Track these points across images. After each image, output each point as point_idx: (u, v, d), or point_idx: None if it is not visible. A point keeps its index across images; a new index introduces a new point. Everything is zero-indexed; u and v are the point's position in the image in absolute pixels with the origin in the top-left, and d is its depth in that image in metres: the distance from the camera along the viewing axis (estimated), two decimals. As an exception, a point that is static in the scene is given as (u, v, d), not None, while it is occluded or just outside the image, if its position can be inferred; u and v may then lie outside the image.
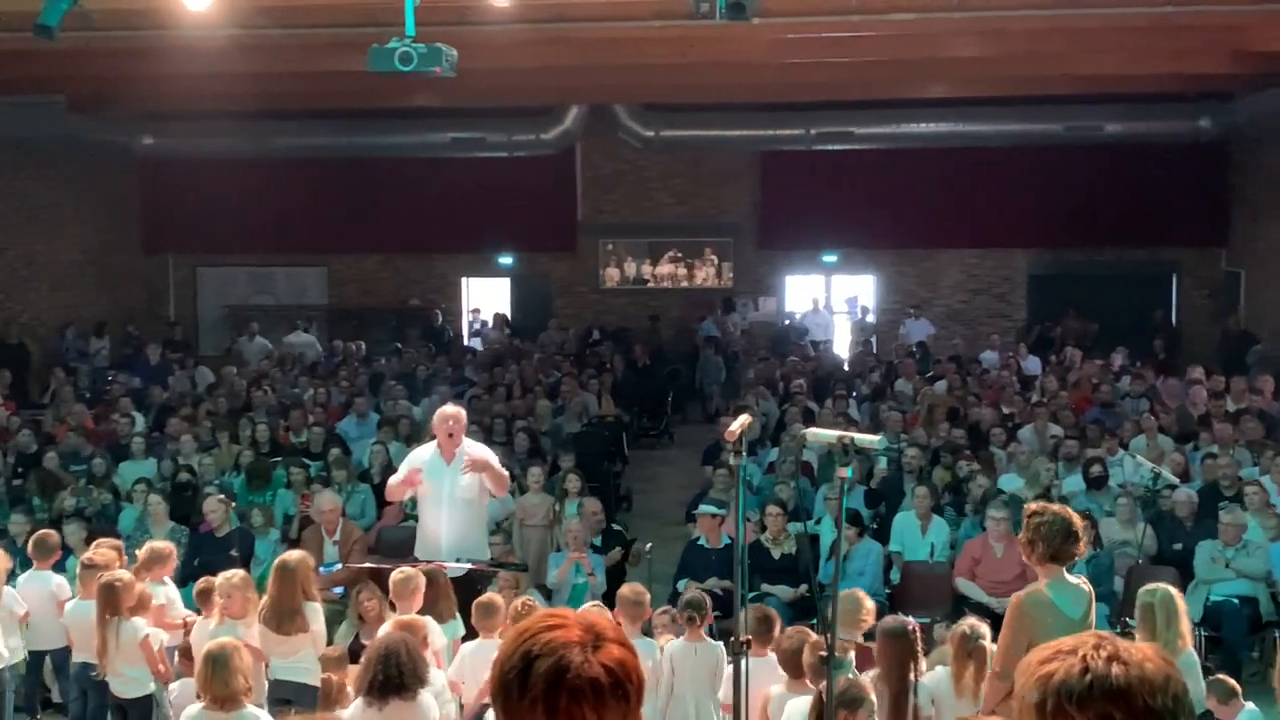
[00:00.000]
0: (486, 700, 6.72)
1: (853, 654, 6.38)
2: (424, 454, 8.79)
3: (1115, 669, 2.01)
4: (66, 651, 8.42)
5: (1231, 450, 11.71)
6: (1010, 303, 21.81)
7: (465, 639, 7.54)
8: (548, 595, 9.55)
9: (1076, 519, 5.46)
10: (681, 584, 9.68)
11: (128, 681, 7.31)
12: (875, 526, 10.64)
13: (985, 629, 6.46)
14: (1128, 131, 18.90)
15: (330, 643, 8.50)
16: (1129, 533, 10.09)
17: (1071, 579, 5.48)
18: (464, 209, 20.96)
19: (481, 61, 10.92)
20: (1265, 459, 11.36)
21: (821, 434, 5.35)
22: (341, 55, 11.68)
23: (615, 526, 11.06)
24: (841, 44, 12.57)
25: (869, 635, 6.80)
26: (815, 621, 7.74)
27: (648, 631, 7.68)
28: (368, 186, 20.91)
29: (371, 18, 10.16)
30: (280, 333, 19.81)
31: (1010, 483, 11.28)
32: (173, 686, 7.31)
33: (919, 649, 6.46)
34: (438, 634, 7.17)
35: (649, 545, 9.85)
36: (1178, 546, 10.00)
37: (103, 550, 8.05)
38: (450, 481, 8.55)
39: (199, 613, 7.83)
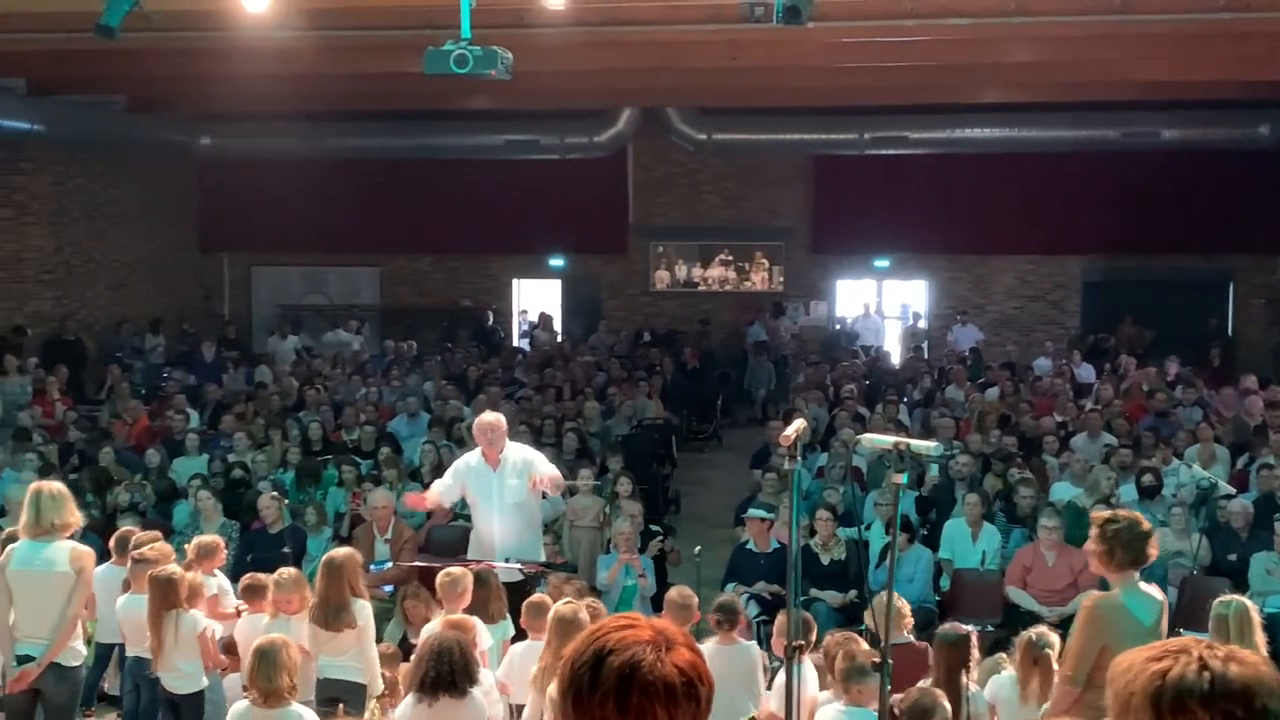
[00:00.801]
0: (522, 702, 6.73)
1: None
2: (470, 461, 8.82)
3: (1234, 669, 2.04)
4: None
5: (1288, 461, 11.55)
6: (1064, 309, 21.61)
7: (514, 640, 7.55)
8: (597, 597, 9.56)
9: (1145, 522, 5.44)
10: (729, 587, 9.68)
11: (182, 677, 7.33)
12: (926, 533, 10.59)
13: (1053, 637, 6.43)
14: (1184, 137, 18.68)
15: (380, 640, 8.58)
16: (1183, 543, 9.98)
17: (1145, 586, 5.45)
18: (516, 211, 21.03)
19: (535, 64, 10.95)
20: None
21: (876, 439, 5.32)
22: (398, 57, 11.75)
23: (653, 527, 11.05)
24: (896, 48, 12.51)
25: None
26: (864, 628, 7.70)
27: (695, 635, 7.67)
28: (421, 188, 21.02)
29: (428, 20, 10.22)
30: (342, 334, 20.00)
31: (1063, 491, 11.18)
32: (228, 680, 7.37)
33: (973, 656, 6.44)
34: (485, 634, 7.19)
35: (697, 548, 9.86)
36: (1232, 557, 9.89)
37: (156, 545, 8.12)
38: (498, 487, 8.59)
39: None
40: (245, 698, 6.02)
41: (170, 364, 18.36)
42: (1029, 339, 20.67)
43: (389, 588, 9.72)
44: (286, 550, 9.59)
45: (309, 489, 11.70)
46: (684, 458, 15.79)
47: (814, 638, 6.83)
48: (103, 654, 8.72)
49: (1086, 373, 17.27)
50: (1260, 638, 6.63)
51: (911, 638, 7.27)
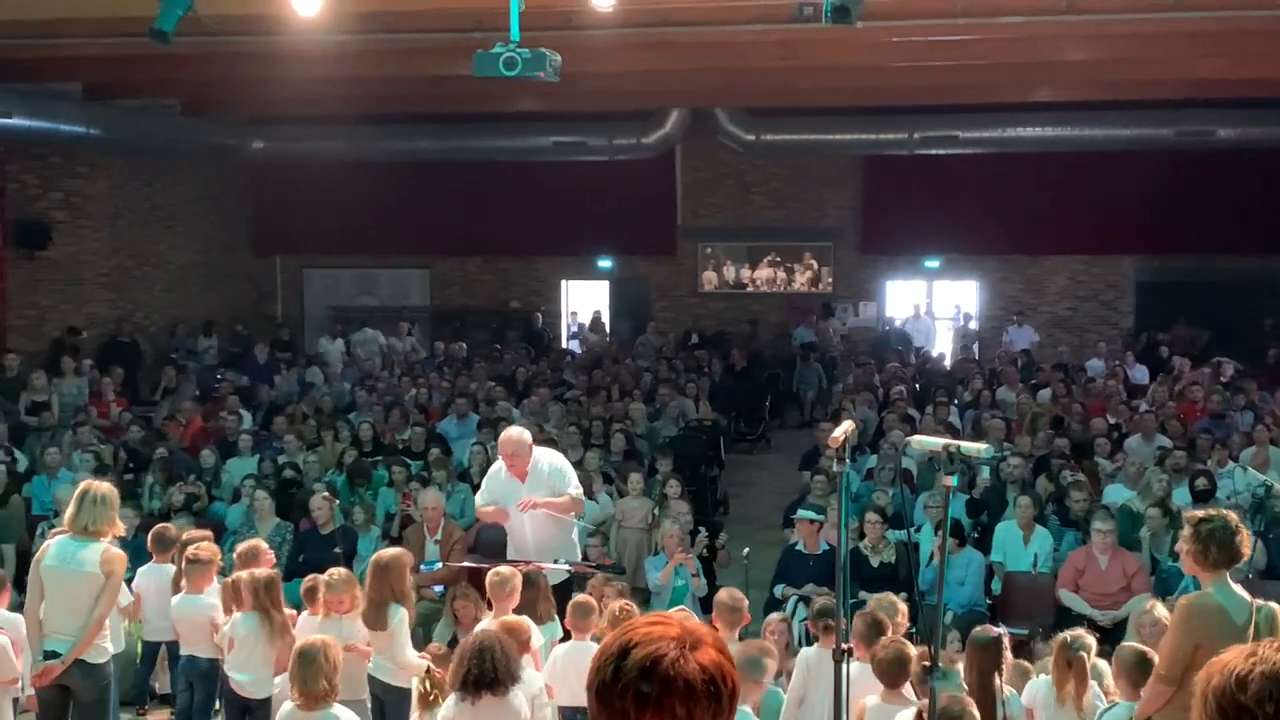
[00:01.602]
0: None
1: (960, 666, 6.29)
2: (498, 474, 8.69)
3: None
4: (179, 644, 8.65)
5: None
6: (1117, 310, 21.40)
7: (562, 640, 7.57)
8: (645, 599, 9.56)
9: (1238, 522, 5.40)
10: (779, 589, 9.66)
11: (261, 681, 7.38)
12: (977, 536, 10.51)
13: (1090, 639, 6.36)
14: (1240, 136, 18.41)
15: (430, 640, 8.62)
16: (1239, 547, 9.84)
17: (1235, 586, 5.40)
18: (564, 212, 21.09)
19: (584, 66, 10.98)
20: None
21: (926, 441, 5.28)
22: (447, 60, 11.82)
23: (700, 528, 11.03)
24: (946, 47, 12.44)
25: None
26: (914, 630, 7.66)
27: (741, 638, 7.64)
28: (470, 190, 21.12)
29: (477, 23, 10.27)
30: (385, 334, 20.11)
31: (1116, 494, 11.07)
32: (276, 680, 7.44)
33: (1005, 658, 6.38)
34: (536, 635, 7.20)
35: (745, 550, 9.85)
36: (1289, 561, 9.76)
37: (207, 545, 8.19)
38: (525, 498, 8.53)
39: (299, 609, 7.96)
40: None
41: (223, 365, 18.55)
42: (1081, 340, 20.49)
43: (439, 588, 9.78)
44: (338, 550, 9.66)
45: (360, 490, 11.79)
46: (732, 459, 15.77)
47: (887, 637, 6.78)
48: (149, 652, 8.78)
49: (1140, 374, 17.09)
50: None
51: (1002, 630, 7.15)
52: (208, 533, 8.84)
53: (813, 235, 21.91)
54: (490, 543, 10.27)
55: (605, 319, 21.93)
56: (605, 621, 7.12)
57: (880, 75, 14.70)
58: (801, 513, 10.16)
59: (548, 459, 8.69)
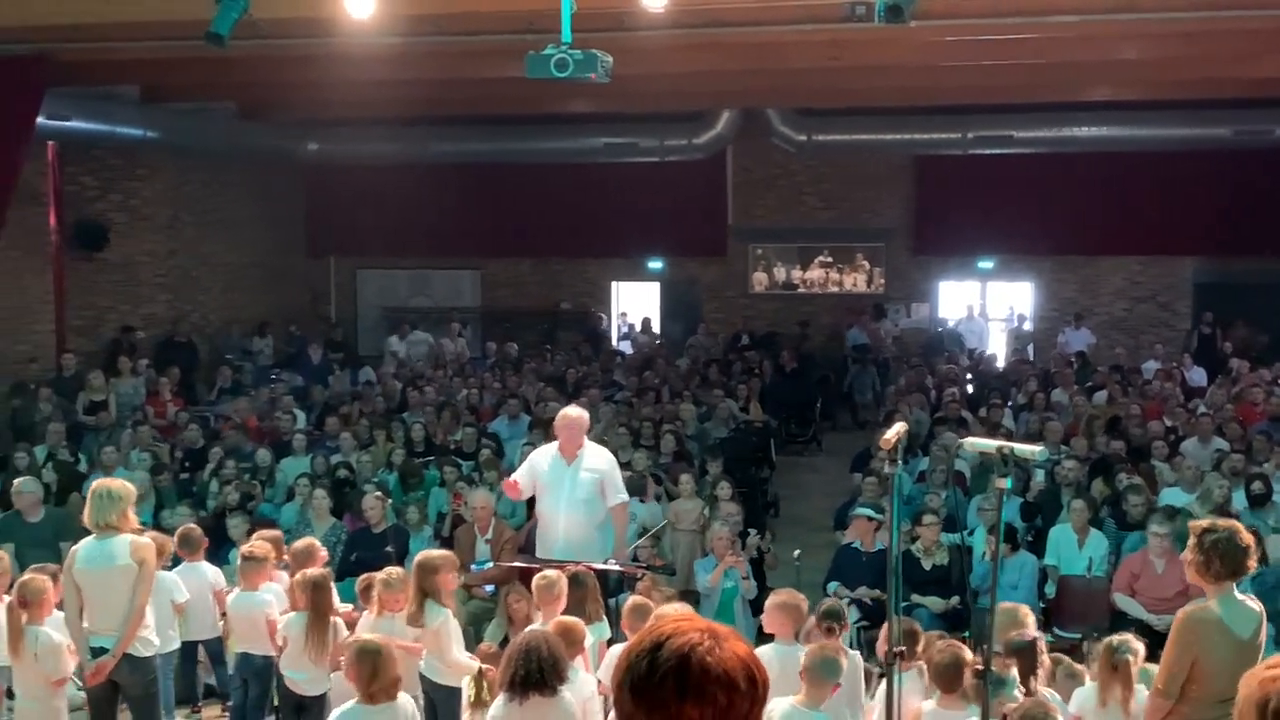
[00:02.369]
0: None
1: (1015, 671, 6.22)
2: (545, 454, 8.86)
3: None
4: (220, 641, 8.71)
5: None
6: (1174, 311, 21.13)
7: (611, 641, 7.56)
8: (695, 601, 9.54)
9: (1245, 532, 5.29)
10: (832, 586, 9.63)
11: (315, 679, 7.49)
12: (1031, 539, 10.42)
13: (1136, 644, 6.27)
14: (1300, 135, 18.16)
15: (481, 640, 8.66)
16: (1297, 552, 9.70)
17: (1241, 597, 5.29)
18: (615, 213, 21.12)
19: (635, 67, 10.97)
20: None
21: (980, 443, 5.22)
22: (499, 62, 11.85)
23: (750, 530, 11.00)
24: (1001, 46, 12.33)
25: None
26: (968, 634, 7.60)
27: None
28: (522, 191, 21.19)
29: (528, 24, 10.28)
30: (437, 335, 20.24)
31: (1173, 497, 10.92)
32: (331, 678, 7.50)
33: (1041, 662, 6.31)
34: (587, 634, 7.21)
35: (796, 552, 9.81)
36: (1350, 566, 9.58)
37: (263, 543, 8.28)
38: (570, 482, 8.63)
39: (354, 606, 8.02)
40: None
41: (278, 366, 18.72)
42: (1137, 342, 20.27)
43: (490, 587, 9.81)
44: (390, 550, 9.72)
45: (412, 490, 11.85)
46: (783, 461, 15.71)
47: (919, 646, 6.72)
48: (189, 650, 8.87)
49: (1197, 376, 16.88)
50: None
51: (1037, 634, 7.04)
52: (277, 533, 8.94)
53: (864, 236, 21.81)
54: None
55: (655, 322, 21.93)
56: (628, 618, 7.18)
57: (933, 75, 14.59)
58: (860, 510, 10.12)
59: (598, 452, 8.87)
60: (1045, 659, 6.44)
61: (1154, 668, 6.41)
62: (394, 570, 7.66)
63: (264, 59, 12.66)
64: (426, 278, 23.05)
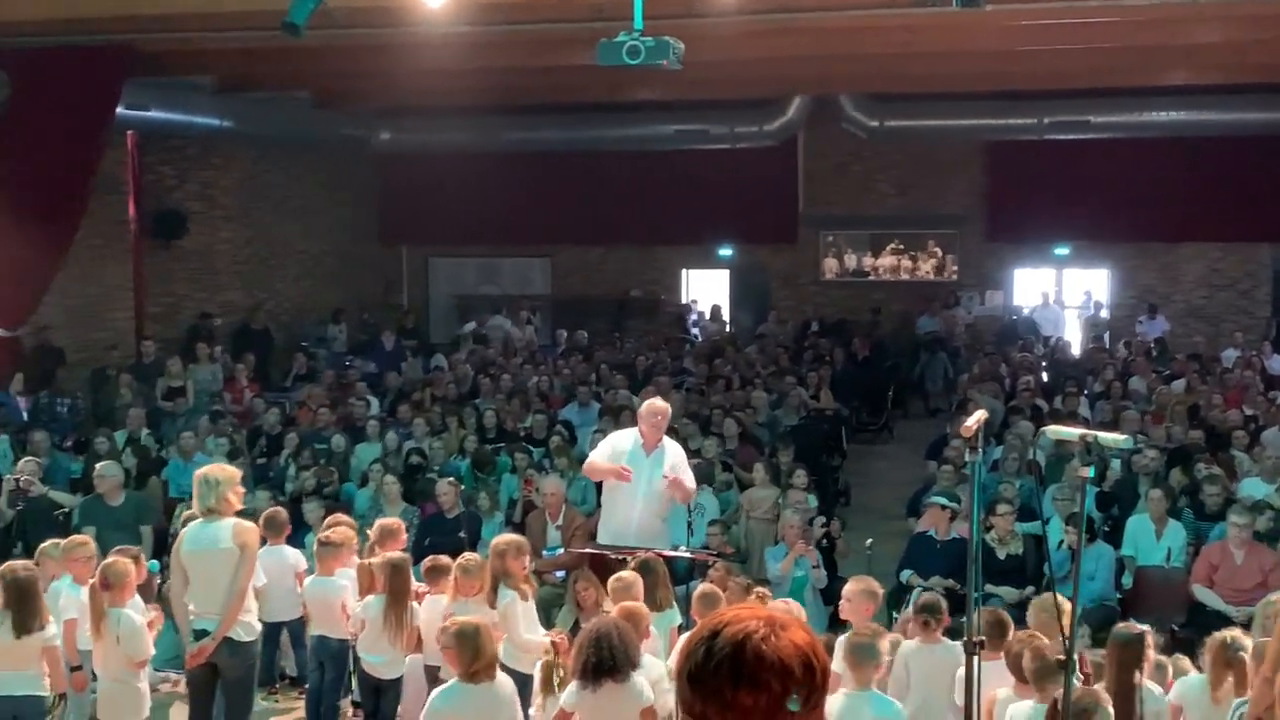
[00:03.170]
0: None
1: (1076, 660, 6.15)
2: (626, 441, 8.86)
3: None
4: (301, 624, 8.82)
5: None
6: (1254, 299, 20.73)
7: (681, 628, 7.57)
8: (766, 588, 9.52)
9: None
10: (905, 575, 9.59)
11: (392, 662, 7.57)
12: (1108, 529, 10.28)
13: (1247, 640, 6.18)
14: (1386, 118, 17.71)
15: (551, 626, 8.70)
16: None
17: None
18: (685, 201, 21.07)
19: (706, 54, 10.94)
20: None
21: (1063, 431, 5.15)
22: (570, 50, 11.88)
23: (820, 517, 10.95)
24: (1077, 30, 12.13)
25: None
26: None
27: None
28: (591, 179, 21.21)
29: (598, 12, 10.29)
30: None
31: (1253, 488, 10.73)
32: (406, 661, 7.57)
33: (1147, 655, 6.23)
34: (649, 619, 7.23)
35: (868, 541, 9.76)
36: None
37: (340, 528, 8.37)
38: (649, 472, 8.64)
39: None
40: (450, 679, 6.17)
41: (352, 353, 18.92)
42: (1217, 329, 19.91)
43: (560, 573, 9.86)
44: (462, 535, 9.80)
45: (484, 476, 11.93)
46: (854, 449, 15.63)
47: (1010, 637, 6.66)
48: (271, 633, 8.98)
49: (1277, 364, 16.54)
50: None
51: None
52: (349, 519, 9.03)
53: (937, 222, 21.59)
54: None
55: (725, 309, 21.87)
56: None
57: (1007, 60, 14.40)
58: (935, 498, 10.06)
59: (672, 445, 8.90)
60: (1151, 653, 6.35)
61: (1166, 660, 6.36)
62: (471, 556, 7.73)
63: (338, 48, 12.78)
64: (496, 265, 23.18)
